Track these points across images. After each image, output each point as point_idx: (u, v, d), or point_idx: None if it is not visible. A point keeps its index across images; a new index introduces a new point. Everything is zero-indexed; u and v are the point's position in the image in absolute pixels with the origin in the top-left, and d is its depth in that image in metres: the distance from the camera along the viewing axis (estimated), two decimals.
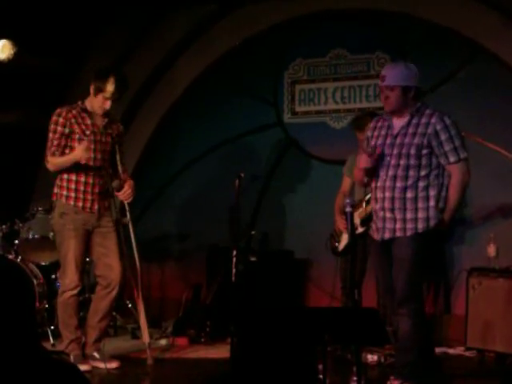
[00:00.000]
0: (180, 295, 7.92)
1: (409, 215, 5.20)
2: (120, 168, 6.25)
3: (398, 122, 5.32)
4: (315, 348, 4.46)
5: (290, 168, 8.34)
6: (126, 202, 6.30)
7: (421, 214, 5.19)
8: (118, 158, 6.26)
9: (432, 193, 5.21)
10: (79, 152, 5.99)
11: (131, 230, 6.30)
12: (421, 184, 5.23)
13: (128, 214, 6.33)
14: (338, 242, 6.78)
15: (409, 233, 5.21)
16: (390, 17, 7.84)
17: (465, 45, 7.56)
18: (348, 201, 4.96)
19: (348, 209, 4.94)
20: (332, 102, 8.18)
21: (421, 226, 5.19)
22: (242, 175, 6.35)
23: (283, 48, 8.36)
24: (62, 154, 6.10)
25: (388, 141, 5.36)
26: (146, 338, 6.28)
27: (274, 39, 8.39)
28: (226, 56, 8.59)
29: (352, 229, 4.95)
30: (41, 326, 6.82)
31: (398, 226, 5.23)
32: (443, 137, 5.18)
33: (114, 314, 7.49)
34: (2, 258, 2.70)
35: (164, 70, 8.85)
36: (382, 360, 6.10)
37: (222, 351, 6.57)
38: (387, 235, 5.28)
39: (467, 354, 6.63)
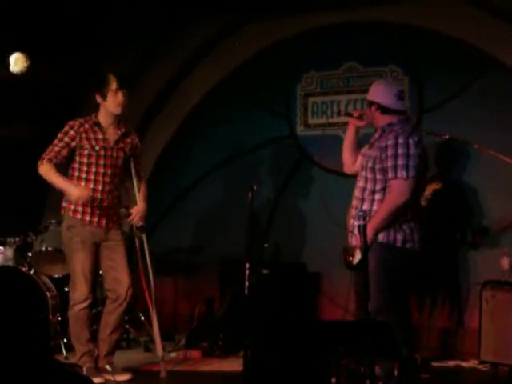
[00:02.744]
0: (193, 308, 7.92)
1: None
2: (135, 182, 6.25)
3: (374, 136, 5.55)
4: (328, 361, 4.45)
5: (302, 180, 8.33)
6: None
7: None
8: (133, 171, 6.26)
9: None
10: (76, 193, 5.96)
11: (145, 243, 6.31)
12: (376, 197, 5.35)
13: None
14: (352, 255, 6.73)
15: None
16: (402, 30, 7.84)
17: (478, 58, 7.54)
18: (361, 213, 4.88)
19: (360, 222, 4.87)
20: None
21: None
22: (255, 187, 6.34)
23: (296, 60, 8.37)
24: (60, 163, 6.08)
25: (363, 151, 5.62)
26: (159, 350, 6.28)
27: (287, 52, 8.40)
28: (240, 68, 8.60)
29: (365, 242, 4.89)
30: (54, 338, 6.83)
31: None
32: (389, 152, 5.27)
33: (127, 326, 7.49)
34: (15, 270, 2.70)
35: (178, 83, 8.86)
36: None
37: (234, 364, 6.56)
38: None
39: (481, 367, 6.60)
